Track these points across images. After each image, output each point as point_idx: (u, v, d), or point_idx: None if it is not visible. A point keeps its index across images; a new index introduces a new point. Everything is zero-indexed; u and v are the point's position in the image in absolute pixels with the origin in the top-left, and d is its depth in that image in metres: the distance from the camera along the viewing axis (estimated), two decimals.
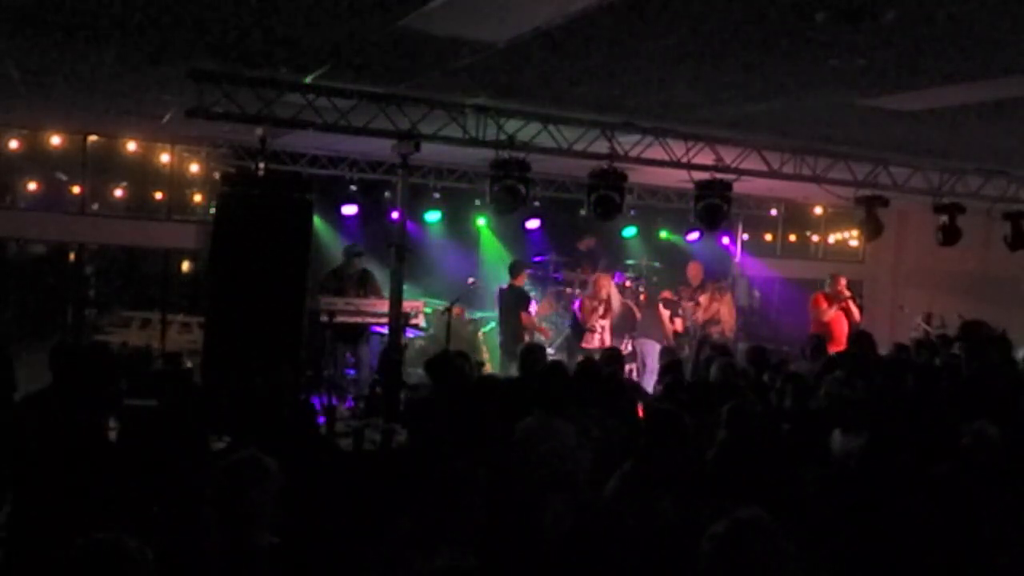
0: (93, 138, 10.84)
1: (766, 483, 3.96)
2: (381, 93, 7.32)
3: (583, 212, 9.44)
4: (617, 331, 10.97)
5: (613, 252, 13.32)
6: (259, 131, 7.68)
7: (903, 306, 13.55)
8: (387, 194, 11.56)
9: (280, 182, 8.44)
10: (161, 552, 2.51)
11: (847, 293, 11.34)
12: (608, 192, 8.33)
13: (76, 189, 11.48)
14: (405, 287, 8.31)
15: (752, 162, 9.03)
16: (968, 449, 4.55)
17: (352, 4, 4.88)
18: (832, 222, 15.46)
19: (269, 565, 3.04)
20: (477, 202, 12.34)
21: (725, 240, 14.24)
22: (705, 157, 8.88)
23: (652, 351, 11.29)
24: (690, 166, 8.83)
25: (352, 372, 9.90)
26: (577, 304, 10.84)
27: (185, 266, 14.25)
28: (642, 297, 12.23)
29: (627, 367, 9.79)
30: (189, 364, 8.69)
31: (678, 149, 8.66)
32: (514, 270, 10.87)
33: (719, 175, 8.90)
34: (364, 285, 9.80)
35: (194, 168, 11.41)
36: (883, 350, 8.94)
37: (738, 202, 12.45)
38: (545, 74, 6.48)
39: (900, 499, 4.23)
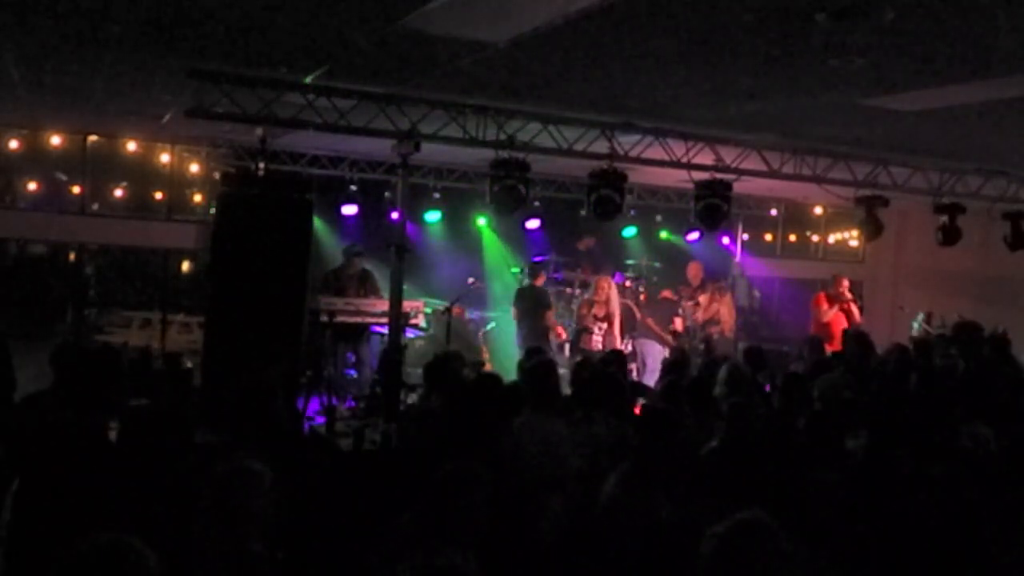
0: (93, 138, 10.83)
1: (762, 482, 3.96)
2: (381, 93, 7.32)
3: (583, 212, 9.44)
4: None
5: (613, 252, 13.32)
6: (259, 131, 7.69)
7: (903, 306, 13.54)
8: (387, 194, 11.55)
9: (280, 182, 8.45)
10: (159, 556, 2.50)
11: (848, 295, 11.34)
12: (608, 192, 8.33)
13: (76, 189, 11.48)
14: (405, 287, 8.31)
15: (752, 162, 9.03)
16: (968, 450, 4.55)
17: (352, 4, 4.88)
18: (832, 222, 15.46)
19: (263, 571, 3.05)
20: (477, 202, 12.34)
21: (725, 240, 14.24)
22: (705, 157, 8.88)
23: (652, 351, 11.31)
24: (690, 166, 8.83)
25: (352, 372, 9.91)
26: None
27: (185, 266, 14.26)
28: (642, 297, 12.23)
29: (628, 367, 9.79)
30: (189, 364, 8.70)
31: (678, 149, 8.66)
32: (534, 270, 10.93)
33: (719, 175, 8.90)
34: (364, 285, 9.81)
35: (194, 168, 11.41)
36: (883, 350, 8.93)
37: (738, 202, 12.46)
38: (545, 74, 6.47)
39: (899, 499, 4.23)
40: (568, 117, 7.98)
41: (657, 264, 13.11)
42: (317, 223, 9.51)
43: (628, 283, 12.41)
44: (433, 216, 11.79)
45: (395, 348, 8.13)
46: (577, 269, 12.56)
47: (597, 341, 10.41)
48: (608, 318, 10.51)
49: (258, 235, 7.41)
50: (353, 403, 8.82)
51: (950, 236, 10.23)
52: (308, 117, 7.39)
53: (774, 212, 14.80)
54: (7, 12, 5.46)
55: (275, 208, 7.55)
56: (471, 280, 11.53)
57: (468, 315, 11.84)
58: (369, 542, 3.35)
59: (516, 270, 12.26)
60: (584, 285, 11.68)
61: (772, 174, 9.19)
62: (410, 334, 10.16)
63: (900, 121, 7.33)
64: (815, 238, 15.70)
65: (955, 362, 7.86)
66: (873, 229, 9.93)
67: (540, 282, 10.87)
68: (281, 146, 10.54)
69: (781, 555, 2.55)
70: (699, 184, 8.91)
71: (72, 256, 12.83)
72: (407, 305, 8.74)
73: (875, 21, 4.56)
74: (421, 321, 9.82)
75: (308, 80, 7.04)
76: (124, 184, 12.50)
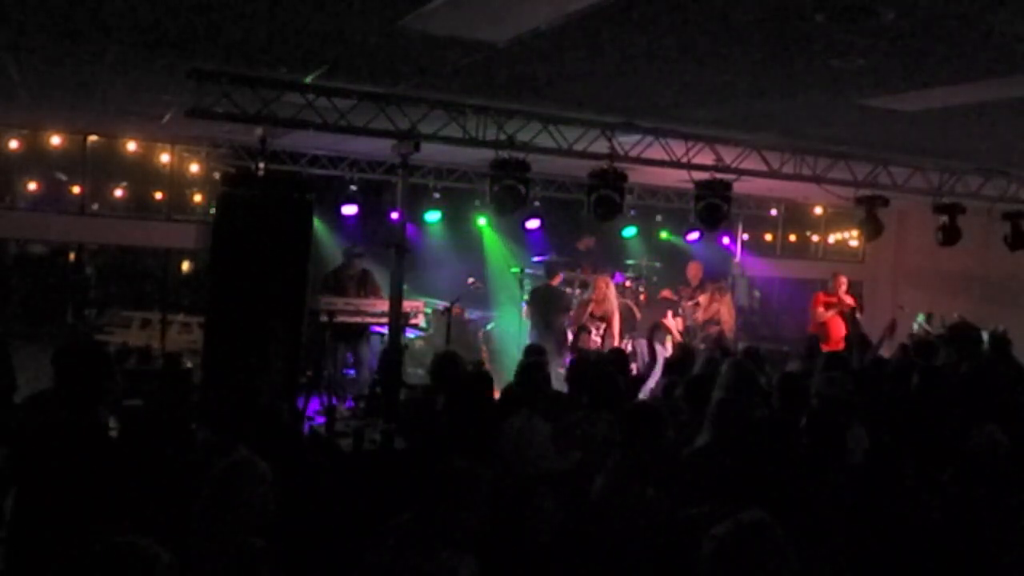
0: (93, 138, 10.83)
1: (754, 481, 3.95)
2: (381, 93, 7.32)
3: (583, 212, 9.44)
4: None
5: (613, 252, 13.32)
6: (259, 131, 7.68)
7: (903, 306, 13.55)
8: (387, 194, 11.56)
9: (280, 182, 8.45)
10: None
11: (847, 300, 11.31)
12: (608, 192, 8.33)
13: (76, 189, 11.48)
14: (405, 287, 8.31)
15: (752, 162, 9.03)
16: (971, 451, 4.55)
17: (352, 4, 4.88)
18: (832, 222, 15.47)
19: (261, 566, 3.05)
20: (477, 202, 12.34)
21: (725, 240, 14.25)
22: (705, 157, 8.88)
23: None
24: (690, 166, 8.83)
25: (352, 372, 9.91)
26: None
27: (185, 266, 14.28)
28: (642, 297, 12.23)
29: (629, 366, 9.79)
30: (189, 364, 8.71)
31: (678, 149, 8.66)
32: (551, 270, 10.89)
33: (719, 175, 8.90)
34: (364, 285, 9.81)
35: (194, 168, 11.41)
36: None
37: (738, 202, 12.46)
38: (545, 74, 6.47)
39: (901, 500, 4.23)
40: (568, 117, 7.97)
41: (657, 264, 13.11)
42: (317, 223, 9.52)
43: (628, 283, 12.41)
44: (433, 216, 11.79)
45: (395, 348, 8.13)
46: (577, 269, 12.56)
47: (596, 341, 10.41)
48: (606, 317, 10.51)
49: (258, 235, 7.41)
50: (353, 403, 8.81)
51: (950, 236, 10.23)
52: (308, 117, 7.39)
53: (774, 212, 14.81)
54: (7, 12, 5.46)
55: (275, 208, 7.55)
56: (471, 280, 11.52)
57: (468, 315, 11.84)
58: (369, 542, 3.35)
59: (516, 270, 12.26)
60: (584, 285, 11.68)
61: (772, 174, 9.19)
62: (410, 334, 10.16)
63: (900, 121, 7.33)
64: (815, 238, 15.70)
65: (955, 362, 7.86)
66: (873, 229, 9.93)
67: (556, 282, 10.85)
68: (281, 146, 10.53)
69: (783, 556, 2.55)
70: (699, 184, 8.91)
71: (72, 256, 12.84)
72: (407, 305, 8.73)
73: (875, 21, 4.56)
74: (421, 321, 9.82)
75: (308, 80, 7.04)
76: (124, 184, 12.51)
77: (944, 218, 10.19)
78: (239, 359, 6.77)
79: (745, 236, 14.88)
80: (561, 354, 9.83)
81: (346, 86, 7.17)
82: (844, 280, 11.57)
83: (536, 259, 12.49)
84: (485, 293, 11.99)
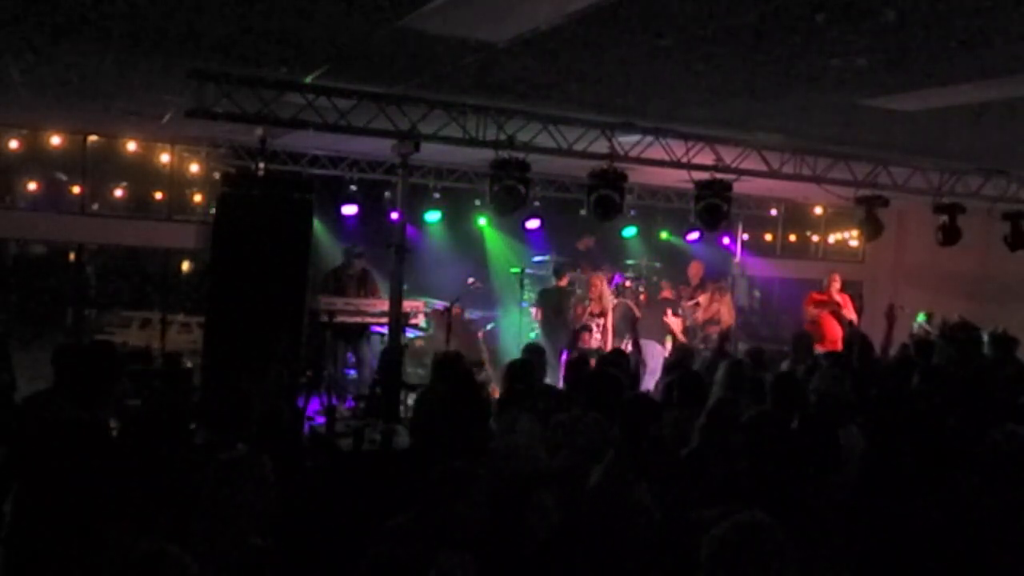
0: (93, 138, 10.84)
1: (747, 479, 3.95)
2: (381, 93, 7.32)
3: (583, 212, 9.45)
4: (617, 331, 10.98)
5: (613, 252, 13.32)
6: (259, 131, 7.69)
7: (903, 306, 13.54)
8: (387, 194, 11.57)
9: (280, 182, 8.46)
10: None
11: (838, 298, 11.30)
12: (608, 192, 8.33)
13: (76, 189, 11.49)
14: (405, 287, 8.31)
15: (752, 162, 9.03)
16: (990, 449, 4.52)
17: (352, 4, 4.88)
18: (832, 222, 15.47)
19: (261, 565, 3.05)
20: (477, 202, 12.34)
21: (725, 240, 14.25)
22: (705, 157, 8.88)
23: (653, 351, 11.28)
24: (690, 166, 8.83)
25: (352, 372, 9.91)
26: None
27: (185, 266, 14.28)
28: (642, 297, 12.22)
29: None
30: (189, 364, 8.71)
31: (678, 149, 8.66)
32: (559, 271, 10.92)
33: (719, 175, 8.90)
34: (364, 285, 9.81)
35: (194, 168, 11.42)
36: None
37: (738, 202, 12.46)
38: (545, 74, 6.47)
39: (901, 500, 4.22)
40: (568, 117, 7.98)
41: (657, 264, 13.11)
42: (317, 223, 9.53)
43: (628, 283, 12.41)
44: (433, 216, 11.80)
45: (395, 348, 8.13)
46: (577, 269, 12.56)
47: (596, 339, 10.41)
48: (604, 314, 10.54)
49: (258, 235, 7.42)
50: (353, 403, 8.81)
51: (950, 236, 10.23)
52: (308, 117, 7.39)
53: (774, 212, 14.81)
54: (7, 12, 5.46)
55: (275, 208, 7.55)
56: (471, 280, 11.52)
57: (468, 315, 11.84)
58: (369, 542, 3.35)
59: (516, 270, 12.27)
60: (584, 285, 11.70)
61: (772, 174, 9.19)
62: (410, 334, 10.15)
63: (900, 121, 7.33)
64: (815, 238, 15.71)
65: (956, 362, 7.85)
66: (873, 229, 9.93)
67: (564, 282, 10.89)
68: (281, 146, 10.54)
69: (782, 557, 2.55)
70: (699, 184, 8.91)
71: (72, 256, 12.83)
72: (407, 305, 8.74)
73: (875, 21, 4.56)
74: (421, 321, 9.82)
75: (308, 80, 7.04)
76: (124, 184, 12.52)
77: (944, 218, 10.19)
78: (239, 359, 6.77)
79: (745, 236, 14.89)
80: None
81: (346, 86, 7.17)
82: (837, 278, 11.56)
83: (536, 259, 12.50)
84: (485, 293, 11.98)
